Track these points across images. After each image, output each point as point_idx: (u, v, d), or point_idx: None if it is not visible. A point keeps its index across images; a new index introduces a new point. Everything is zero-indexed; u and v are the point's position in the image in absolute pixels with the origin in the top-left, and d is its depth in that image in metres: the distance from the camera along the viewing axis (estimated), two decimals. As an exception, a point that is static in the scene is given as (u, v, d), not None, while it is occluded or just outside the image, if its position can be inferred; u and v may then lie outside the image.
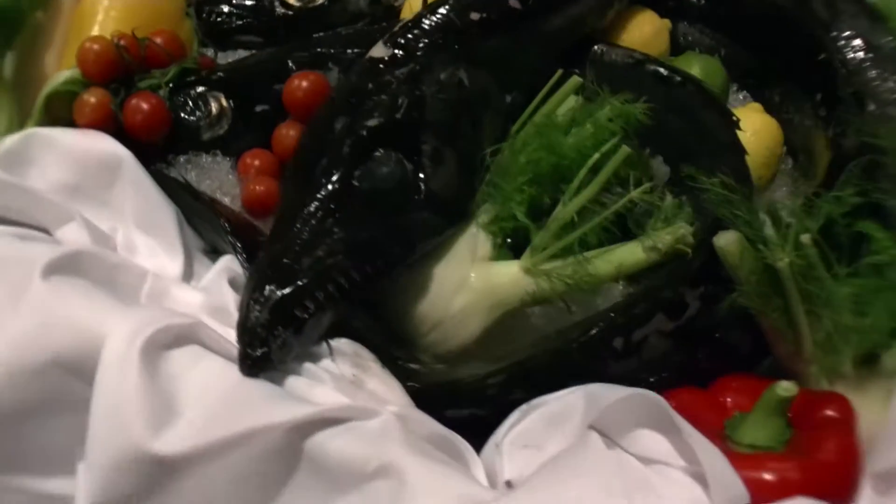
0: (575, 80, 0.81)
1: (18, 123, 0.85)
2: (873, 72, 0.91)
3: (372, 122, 0.75)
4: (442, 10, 0.83)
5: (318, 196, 0.71)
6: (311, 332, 0.67)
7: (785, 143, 0.95)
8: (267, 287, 0.66)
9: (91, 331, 0.66)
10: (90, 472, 0.61)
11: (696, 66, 0.96)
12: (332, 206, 0.71)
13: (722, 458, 0.59)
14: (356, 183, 0.73)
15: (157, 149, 0.85)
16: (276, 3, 1.03)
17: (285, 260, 0.68)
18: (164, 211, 0.78)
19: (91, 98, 0.84)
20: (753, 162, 0.85)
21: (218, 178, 0.86)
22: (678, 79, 0.87)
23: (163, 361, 0.65)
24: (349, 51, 0.92)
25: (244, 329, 0.65)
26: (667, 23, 0.98)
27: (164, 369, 0.64)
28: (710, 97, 0.86)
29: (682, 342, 0.74)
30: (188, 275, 0.77)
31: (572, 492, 0.57)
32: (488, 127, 0.82)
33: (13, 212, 0.76)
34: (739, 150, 0.81)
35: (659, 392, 0.65)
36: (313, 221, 0.70)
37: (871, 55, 0.96)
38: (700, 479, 0.60)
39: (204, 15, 1.02)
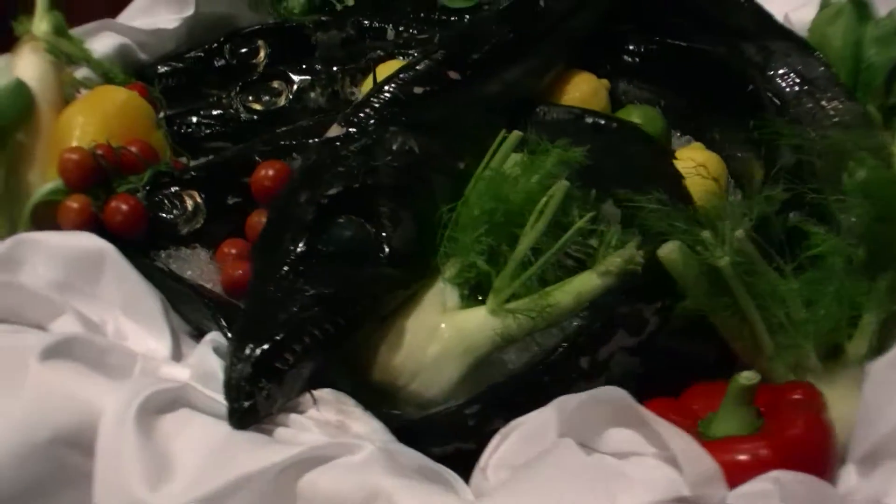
0: (516, 134, 0.88)
1: (8, 233, 0.91)
2: (810, 103, 0.99)
3: (332, 191, 0.81)
4: (388, 88, 0.91)
5: (287, 260, 0.77)
6: (293, 383, 0.71)
7: (731, 176, 1.02)
8: (247, 345, 0.71)
9: (88, 405, 0.71)
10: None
11: (635, 116, 1.03)
12: (301, 267, 0.77)
13: (688, 438, 0.64)
14: (321, 247, 0.78)
15: (138, 246, 0.91)
16: (241, 110, 1.11)
17: (261, 319, 0.73)
18: (149, 298, 0.83)
19: (74, 204, 0.90)
20: (701, 194, 0.91)
21: (199, 268, 0.92)
22: (614, 125, 0.94)
23: (157, 424, 0.69)
24: (309, 140, 0.99)
25: (229, 385, 0.69)
26: (605, 82, 1.06)
27: (158, 431, 0.69)
28: (643, 135, 0.93)
29: (647, 357, 0.79)
30: (177, 356, 0.82)
31: (552, 492, 0.61)
32: (441, 188, 0.88)
33: (5, 311, 0.81)
34: (675, 175, 0.88)
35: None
36: (284, 283, 0.76)
37: (805, 87, 1.03)
38: (672, 461, 0.63)
39: (175, 126, 1.09)
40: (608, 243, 0.82)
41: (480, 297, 0.85)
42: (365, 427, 0.72)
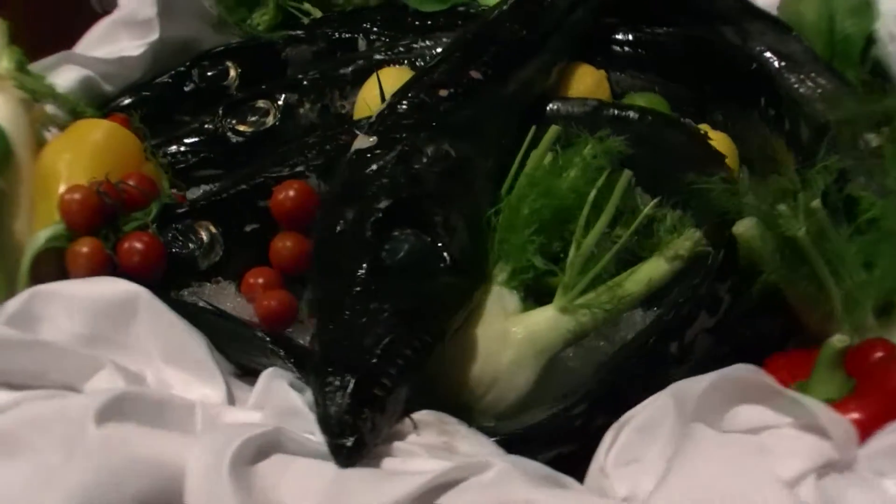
0: (555, 129, 0.85)
1: (6, 291, 0.82)
2: (791, 77, 0.99)
3: (383, 204, 0.76)
4: (412, 93, 0.86)
5: (355, 281, 0.72)
6: (394, 409, 0.66)
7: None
8: (339, 375, 0.65)
9: (167, 466, 0.64)
10: None
11: (639, 102, 1.01)
12: (373, 287, 0.71)
13: (821, 404, 0.62)
14: (387, 263, 0.73)
15: (156, 287, 0.83)
16: (229, 133, 1.04)
17: (346, 346, 0.68)
18: (192, 340, 0.76)
19: (83, 248, 0.82)
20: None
21: (226, 302, 0.85)
22: (633, 114, 0.93)
23: (252, 477, 0.63)
24: (319, 156, 0.93)
25: (329, 421, 0.64)
26: (603, 73, 1.05)
27: (256, 484, 0.63)
28: (670, 119, 0.91)
29: (724, 335, 0.77)
30: (231, 399, 0.75)
31: (710, 480, 0.58)
32: (481, 191, 0.85)
33: (31, 375, 0.73)
34: (717, 154, 0.86)
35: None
36: (357, 306, 0.70)
37: (784, 64, 1.04)
38: (808, 429, 0.62)
39: (163, 156, 1.02)
40: (669, 228, 0.80)
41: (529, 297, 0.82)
42: (472, 445, 0.68)
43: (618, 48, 1.09)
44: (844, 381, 0.70)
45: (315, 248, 0.79)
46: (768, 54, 1.08)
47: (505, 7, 0.98)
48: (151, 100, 1.10)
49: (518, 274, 0.82)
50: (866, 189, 0.82)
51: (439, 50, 1.09)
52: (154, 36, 1.10)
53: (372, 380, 0.66)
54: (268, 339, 0.75)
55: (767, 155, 0.95)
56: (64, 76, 1.06)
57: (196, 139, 1.04)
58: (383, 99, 0.92)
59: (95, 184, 0.85)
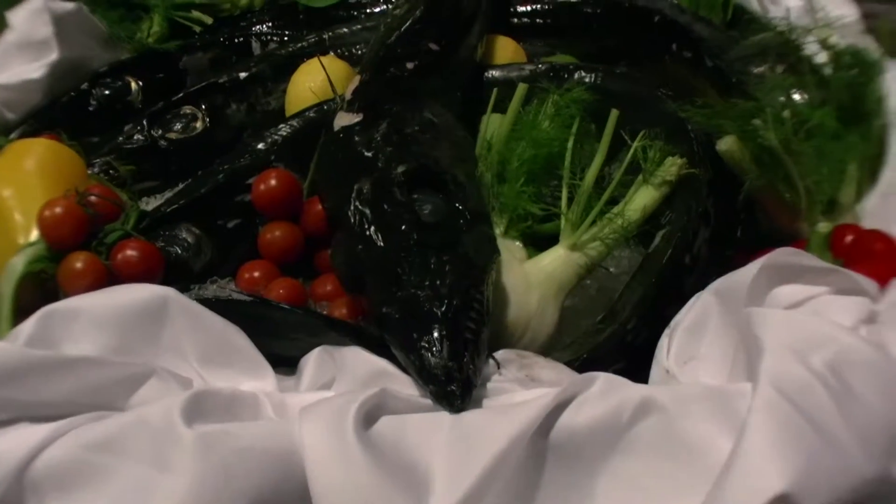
0: (523, 87, 0.90)
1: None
2: (693, 25, 1.09)
3: (401, 169, 0.77)
4: (382, 68, 0.88)
5: (405, 240, 0.72)
6: (484, 349, 0.68)
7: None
8: (428, 328, 0.66)
9: (276, 452, 0.62)
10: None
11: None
12: (424, 242, 0.72)
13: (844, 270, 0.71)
14: (427, 219, 0.74)
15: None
16: (160, 140, 0.99)
17: (423, 301, 0.68)
18: (232, 334, 0.72)
19: (77, 264, 0.76)
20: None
21: (231, 301, 0.82)
22: (570, 66, 0.99)
23: (374, 438, 0.62)
24: (273, 142, 0.92)
25: (434, 371, 0.64)
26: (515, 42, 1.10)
27: (383, 446, 0.62)
28: (607, 68, 0.98)
29: (717, 243, 0.84)
30: (283, 387, 0.73)
31: (780, 348, 0.63)
32: (466, 151, 0.88)
33: (63, 400, 0.67)
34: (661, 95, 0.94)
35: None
36: (417, 261, 0.71)
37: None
38: (845, 291, 0.70)
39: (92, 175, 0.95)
40: (654, 158, 0.86)
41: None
42: (553, 372, 0.70)
43: (516, 19, 1.15)
44: (834, 261, 0.79)
45: (338, 222, 0.78)
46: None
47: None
48: (56, 123, 1.03)
49: (515, 223, 0.85)
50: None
51: (350, 38, 1.11)
52: (53, 56, 1.03)
53: (460, 325, 0.67)
54: (320, 316, 0.73)
55: (687, 90, 1.03)
56: (-40, 107, 0.97)
57: (125, 152, 0.99)
58: (332, 84, 0.93)
59: (72, 196, 0.80)
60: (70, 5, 1.06)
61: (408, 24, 0.93)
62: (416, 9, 0.95)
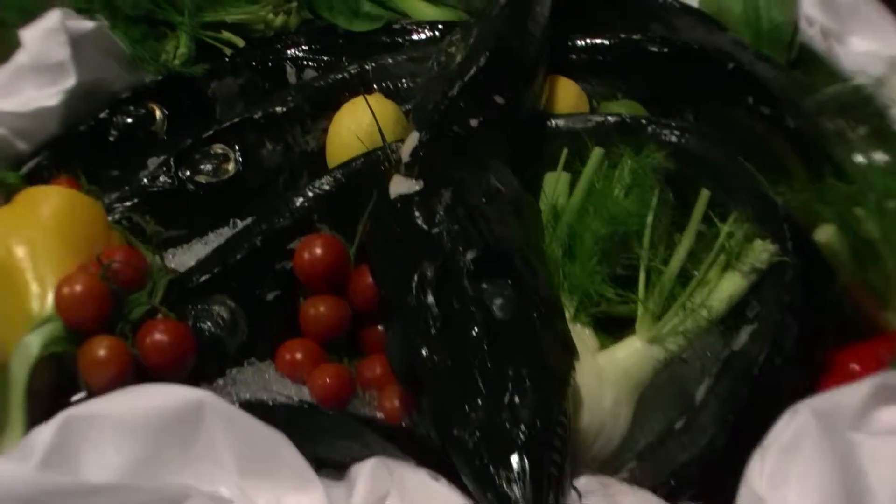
0: (599, 153, 0.81)
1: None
2: (769, 74, 1.00)
3: (470, 256, 0.69)
4: (444, 126, 0.78)
5: (477, 345, 0.64)
6: (568, 486, 0.60)
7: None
8: (507, 460, 0.58)
9: None
10: None
11: (621, 111, 0.98)
12: (497, 348, 0.64)
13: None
14: (499, 317, 0.66)
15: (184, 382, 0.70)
16: (188, 184, 0.90)
17: (499, 423, 0.60)
18: (274, 441, 0.64)
19: (100, 351, 0.68)
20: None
21: (270, 387, 0.74)
22: (643, 121, 0.89)
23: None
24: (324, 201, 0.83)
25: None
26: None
27: None
28: (684, 126, 0.89)
29: (809, 342, 0.76)
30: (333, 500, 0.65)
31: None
32: (533, 222, 0.79)
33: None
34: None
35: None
36: (491, 374, 0.63)
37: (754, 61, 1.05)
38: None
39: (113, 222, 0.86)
40: (738, 241, 0.78)
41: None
42: (636, 498, 0.62)
43: (574, 56, 1.05)
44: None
45: (394, 310, 0.69)
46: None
47: (496, 16, 0.91)
48: (73, 155, 0.94)
49: (586, 306, 0.77)
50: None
51: (394, 70, 1.02)
52: (70, 82, 0.93)
53: (544, 458, 0.59)
54: (378, 427, 0.65)
55: (762, 151, 0.95)
56: (-31, 139, 0.88)
57: (149, 196, 0.89)
58: (381, 132, 0.84)
59: (92, 269, 0.71)
60: (89, 24, 0.96)
61: (472, 73, 0.83)
62: (479, 55, 0.85)
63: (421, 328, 0.66)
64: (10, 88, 0.91)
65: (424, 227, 0.71)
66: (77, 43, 0.93)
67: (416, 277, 0.68)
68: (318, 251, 0.77)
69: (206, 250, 0.87)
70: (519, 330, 0.66)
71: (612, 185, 0.81)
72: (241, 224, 0.90)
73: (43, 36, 0.92)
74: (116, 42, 0.99)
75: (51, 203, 0.79)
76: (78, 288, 0.68)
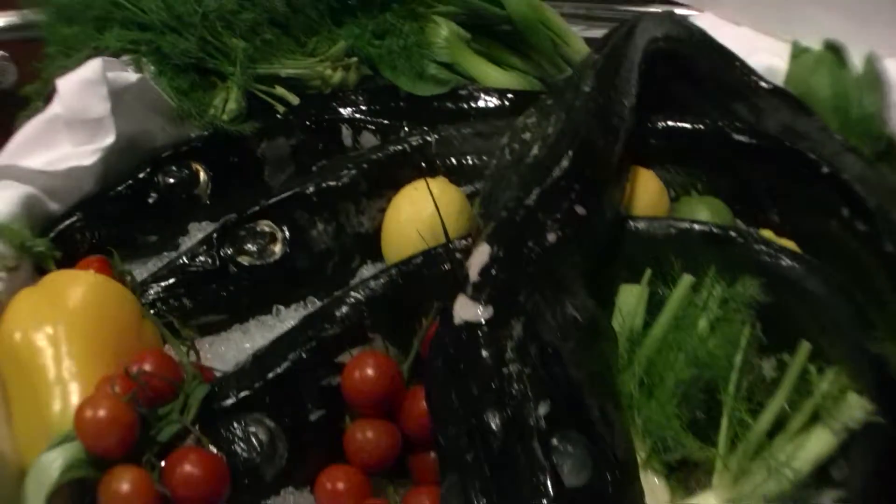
0: (688, 280, 0.73)
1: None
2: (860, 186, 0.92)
3: (542, 411, 0.61)
4: (518, 240, 0.71)
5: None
6: None
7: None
8: None
9: None
10: None
11: (703, 209, 0.91)
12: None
13: None
14: (567, 483, 0.58)
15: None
16: (230, 265, 0.83)
17: None
18: None
19: (123, 485, 0.61)
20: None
21: (308, 523, 0.66)
22: (733, 234, 0.81)
23: None
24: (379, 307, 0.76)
25: None
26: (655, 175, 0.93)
27: None
28: (780, 247, 0.80)
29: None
30: None
31: None
32: (610, 356, 0.71)
33: None
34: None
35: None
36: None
37: (805, 144, 0.96)
38: None
39: (147, 304, 0.80)
40: (829, 394, 0.70)
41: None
42: None
43: (653, 139, 0.97)
44: None
45: (451, 456, 0.62)
46: (785, 133, 1.01)
47: (579, 107, 0.83)
48: (108, 218, 0.87)
49: (659, 454, 0.69)
50: None
51: (460, 145, 0.94)
52: (109, 139, 0.86)
53: None
54: None
55: (854, 271, 0.86)
56: (1, 198, 0.81)
57: (188, 276, 0.82)
58: (446, 232, 0.76)
59: (118, 384, 0.64)
60: (131, 77, 0.89)
61: (552, 179, 0.75)
62: (560, 156, 0.77)
63: (480, 487, 0.58)
64: (43, 141, 0.85)
65: (491, 366, 0.63)
66: (118, 97, 0.86)
67: (478, 429, 0.61)
68: (370, 372, 0.69)
69: (246, 341, 0.81)
70: (590, 498, 0.58)
71: (698, 315, 0.73)
72: (283, 311, 0.84)
73: (81, 88, 0.85)
74: (160, 95, 0.92)
75: (79, 291, 0.72)
76: (101, 413, 0.61)
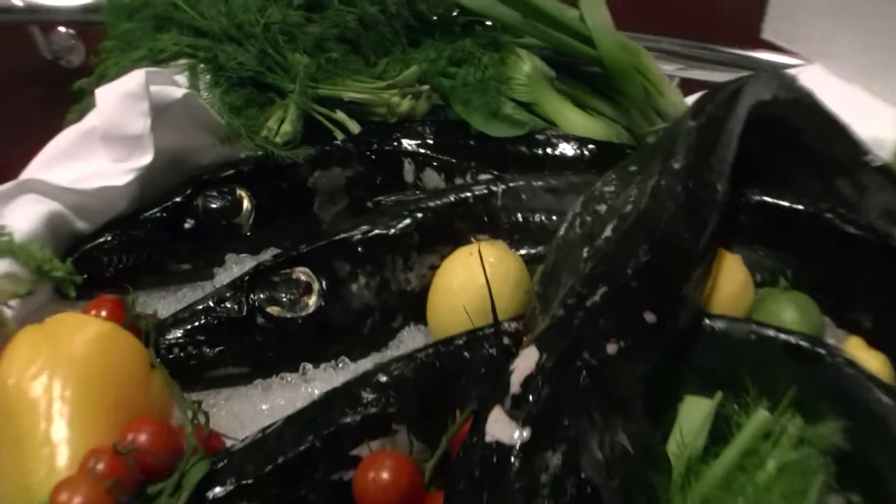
0: (763, 416, 0.63)
1: None
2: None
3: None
4: (572, 351, 0.62)
5: None
6: None
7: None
8: None
9: None
10: None
11: (789, 305, 0.80)
12: None
13: None
14: None
15: None
16: (258, 315, 0.76)
17: None
18: None
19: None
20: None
21: None
22: (822, 352, 0.71)
23: None
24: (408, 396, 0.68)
25: None
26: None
27: None
28: (872, 376, 0.70)
29: None
30: None
31: None
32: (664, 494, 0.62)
33: None
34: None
35: None
36: None
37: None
38: None
39: (163, 348, 0.73)
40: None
41: None
42: None
43: (745, 216, 0.86)
44: None
45: None
46: (888, 215, 0.89)
47: (665, 189, 0.73)
48: (139, 241, 0.81)
49: None
50: None
51: (528, 200, 0.85)
52: (146, 159, 0.79)
53: None
54: None
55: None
56: (23, 213, 0.76)
57: (211, 322, 0.76)
58: (495, 314, 0.67)
59: (100, 464, 0.58)
60: (177, 93, 0.81)
61: (622, 277, 0.66)
62: (636, 248, 0.67)
63: None
64: (76, 155, 0.79)
65: (519, 501, 0.55)
66: (160, 112, 0.79)
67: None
68: (386, 476, 0.62)
69: (266, 401, 0.74)
70: None
71: (767, 453, 0.64)
72: (311, 370, 0.77)
73: (121, 101, 0.79)
74: (209, 111, 0.85)
75: (85, 339, 0.66)
76: (76, 501, 0.55)
